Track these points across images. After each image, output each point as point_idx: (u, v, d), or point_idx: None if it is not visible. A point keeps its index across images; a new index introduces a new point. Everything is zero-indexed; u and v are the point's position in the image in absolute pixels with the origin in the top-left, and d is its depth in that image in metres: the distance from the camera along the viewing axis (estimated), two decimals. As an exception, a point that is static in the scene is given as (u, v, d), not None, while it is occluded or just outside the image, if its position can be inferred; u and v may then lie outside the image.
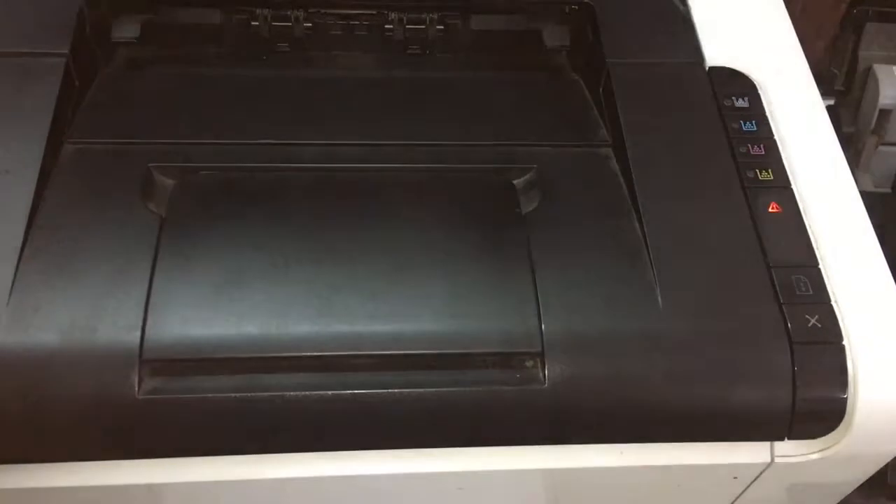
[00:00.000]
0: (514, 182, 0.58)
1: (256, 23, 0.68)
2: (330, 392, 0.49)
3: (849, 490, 0.61)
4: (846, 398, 0.51)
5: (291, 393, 0.49)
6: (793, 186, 0.58)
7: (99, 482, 0.51)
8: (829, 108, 0.65)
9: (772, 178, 0.59)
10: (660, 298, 0.52)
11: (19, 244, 0.51)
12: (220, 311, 0.50)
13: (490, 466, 0.54)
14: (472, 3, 0.69)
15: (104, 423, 0.49)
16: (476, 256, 0.53)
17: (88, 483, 0.51)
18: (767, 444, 0.54)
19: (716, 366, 0.51)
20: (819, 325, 0.52)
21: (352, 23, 0.69)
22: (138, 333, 0.49)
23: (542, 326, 0.51)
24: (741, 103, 0.63)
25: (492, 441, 0.53)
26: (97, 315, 0.49)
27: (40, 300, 0.49)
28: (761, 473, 0.56)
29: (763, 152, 0.60)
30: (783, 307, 0.52)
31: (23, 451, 0.50)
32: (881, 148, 0.95)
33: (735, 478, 0.57)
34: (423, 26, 0.69)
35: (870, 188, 0.97)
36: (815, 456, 0.54)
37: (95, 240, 0.52)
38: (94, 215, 0.53)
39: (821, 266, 0.55)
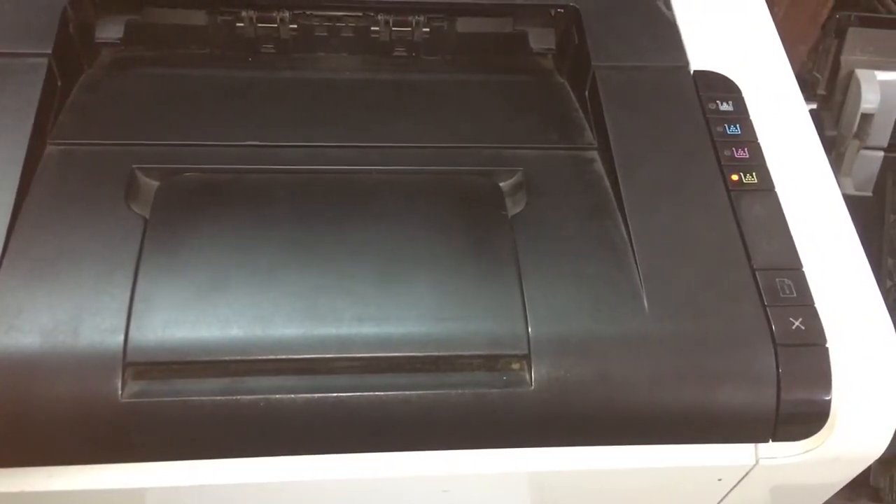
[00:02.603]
0: (501, 184, 0.58)
1: (242, 24, 0.68)
2: (315, 395, 0.49)
3: (832, 492, 0.61)
4: (829, 400, 0.52)
5: (276, 396, 0.49)
6: (776, 190, 0.59)
7: (82, 486, 0.50)
8: (811, 112, 0.66)
9: (756, 181, 0.59)
10: (645, 301, 0.52)
11: (1, 246, 0.50)
12: (204, 314, 0.49)
13: (476, 469, 0.54)
14: (458, 6, 0.69)
15: (87, 426, 0.48)
16: (462, 259, 0.53)
17: (71, 487, 0.50)
18: (752, 445, 0.54)
19: (701, 368, 0.51)
20: (803, 328, 0.52)
21: (337, 25, 0.69)
22: (122, 336, 0.48)
23: (529, 329, 0.51)
24: (725, 107, 0.63)
25: (478, 444, 0.53)
26: (80, 317, 0.48)
27: (22, 302, 0.49)
28: (746, 475, 0.56)
29: (747, 156, 0.60)
30: (767, 309, 0.53)
31: (4, 454, 0.49)
32: (863, 152, 0.96)
33: (720, 479, 0.57)
34: (409, 29, 0.69)
35: (851, 192, 0.97)
36: (798, 458, 0.54)
37: (78, 242, 0.52)
38: (77, 217, 0.53)
39: (804, 269, 0.55)
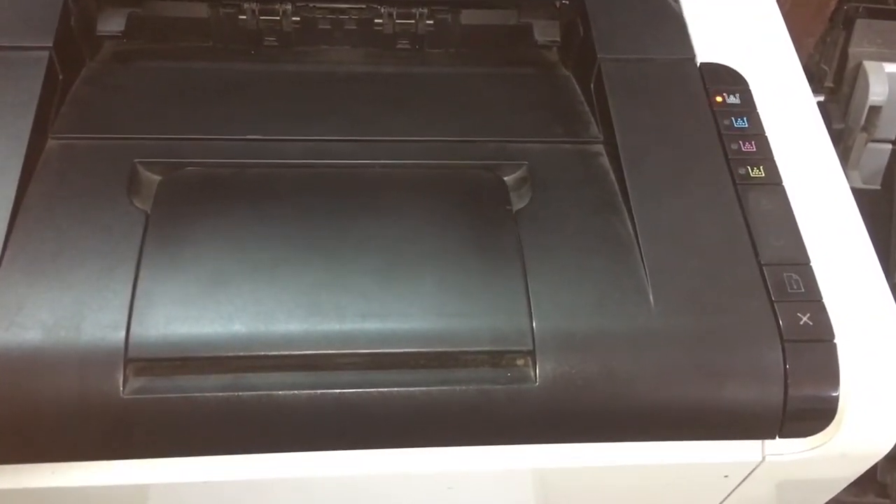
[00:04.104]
0: (505, 179, 0.58)
1: (244, 17, 0.67)
2: (318, 391, 0.49)
3: (839, 488, 0.61)
4: (837, 396, 0.51)
5: (279, 392, 0.48)
6: (784, 183, 0.58)
7: (84, 483, 0.50)
8: (818, 105, 0.65)
9: (763, 174, 0.58)
10: (651, 296, 0.52)
11: (2, 242, 0.50)
12: (206, 309, 0.49)
13: (481, 466, 0.53)
14: None
15: (89, 423, 0.48)
16: (467, 254, 0.53)
17: (73, 484, 0.50)
18: (758, 442, 0.54)
19: (707, 364, 0.51)
20: (810, 323, 0.52)
21: (341, 17, 0.68)
22: (123, 332, 0.48)
23: (534, 324, 0.50)
24: (732, 100, 0.62)
25: (482, 440, 0.52)
26: (82, 313, 0.48)
27: (24, 298, 0.49)
28: (752, 471, 0.56)
29: (754, 149, 0.60)
30: (774, 305, 0.52)
31: (6, 451, 0.49)
32: (870, 145, 0.96)
33: (726, 476, 0.57)
34: (412, 21, 0.68)
35: (859, 185, 0.97)
36: (805, 454, 0.54)
37: (80, 237, 0.51)
38: (78, 212, 0.53)
39: (812, 263, 0.54)
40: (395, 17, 0.68)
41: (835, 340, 0.52)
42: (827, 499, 0.64)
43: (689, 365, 0.51)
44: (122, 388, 0.47)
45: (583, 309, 0.51)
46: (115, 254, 0.51)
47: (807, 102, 0.64)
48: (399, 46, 0.70)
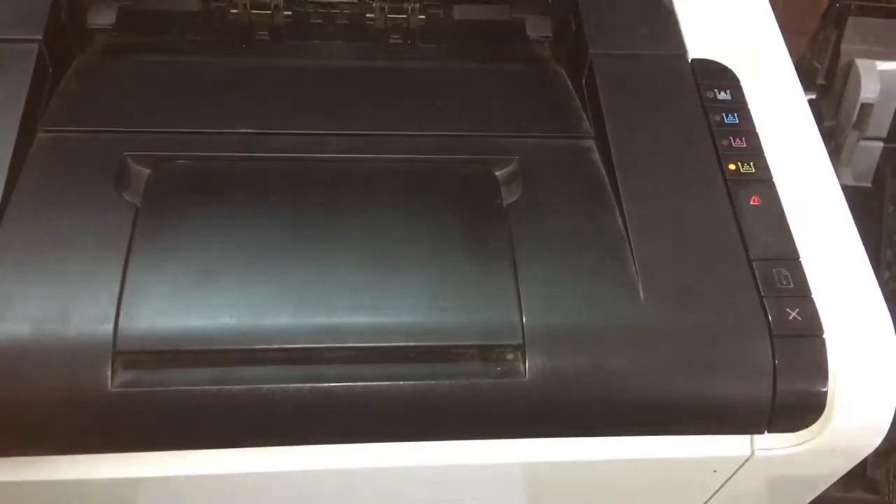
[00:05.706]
0: (496, 173, 0.58)
1: (235, 10, 0.67)
2: (308, 385, 0.49)
3: (828, 483, 0.61)
4: (826, 391, 0.51)
5: (268, 386, 0.48)
6: (774, 180, 0.58)
7: (71, 476, 0.50)
8: (810, 102, 0.65)
9: (753, 171, 0.59)
10: (641, 291, 0.52)
11: (-10, 234, 0.50)
12: (195, 303, 0.49)
13: (470, 460, 0.53)
14: None
15: (77, 416, 0.48)
16: (457, 248, 0.53)
17: (60, 477, 0.50)
18: (747, 437, 0.54)
19: (696, 358, 0.51)
20: (799, 319, 0.52)
21: (332, 11, 0.68)
22: (111, 325, 0.48)
23: (524, 319, 0.50)
24: (724, 96, 0.62)
25: (472, 434, 0.52)
26: (70, 306, 0.48)
27: (11, 291, 0.48)
28: (741, 466, 0.56)
29: (745, 145, 0.60)
30: (764, 300, 0.52)
31: (-6, 444, 0.49)
32: (862, 142, 0.96)
33: (715, 471, 0.57)
34: (404, 16, 0.68)
35: (850, 182, 0.97)
36: (794, 449, 0.54)
37: (69, 230, 0.51)
38: (67, 205, 0.52)
39: (802, 259, 0.55)
40: (386, 11, 0.68)
41: (824, 336, 0.52)
42: (816, 494, 0.64)
43: (678, 359, 0.51)
44: (110, 382, 0.47)
45: (573, 303, 0.51)
46: (103, 247, 0.50)
47: (798, 99, 0.64)
48: (391, 41, 0.70)
